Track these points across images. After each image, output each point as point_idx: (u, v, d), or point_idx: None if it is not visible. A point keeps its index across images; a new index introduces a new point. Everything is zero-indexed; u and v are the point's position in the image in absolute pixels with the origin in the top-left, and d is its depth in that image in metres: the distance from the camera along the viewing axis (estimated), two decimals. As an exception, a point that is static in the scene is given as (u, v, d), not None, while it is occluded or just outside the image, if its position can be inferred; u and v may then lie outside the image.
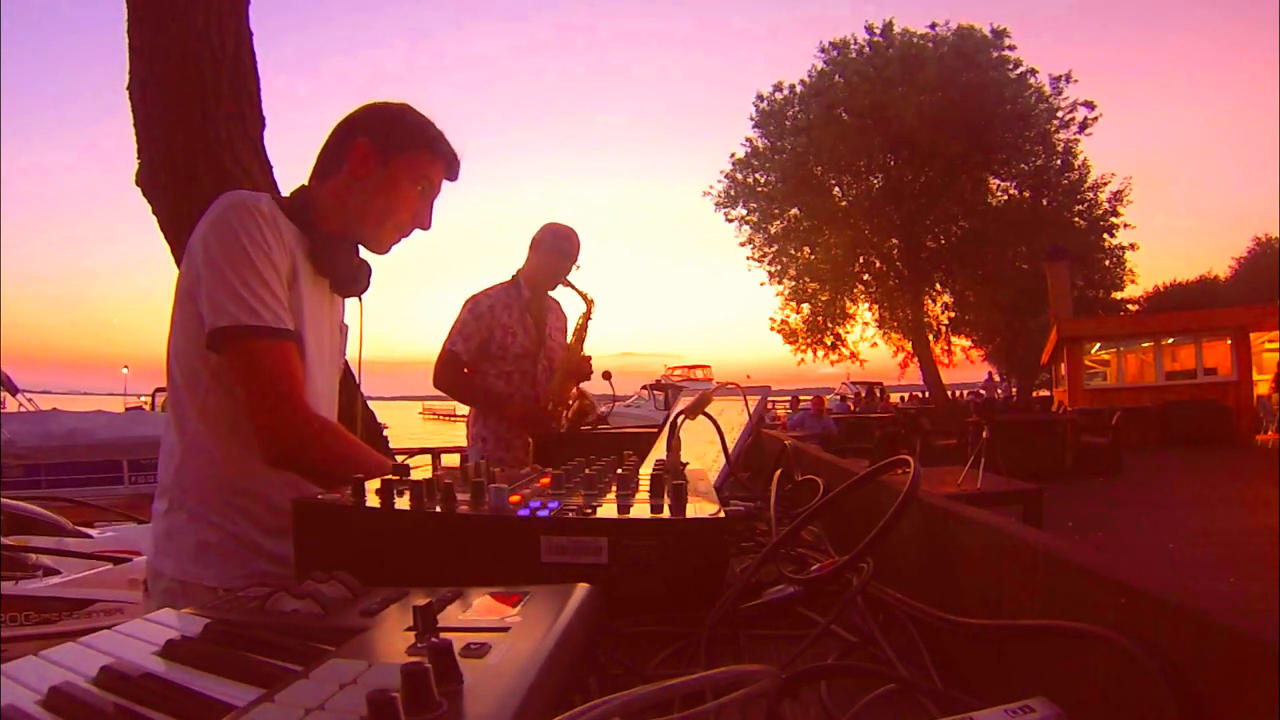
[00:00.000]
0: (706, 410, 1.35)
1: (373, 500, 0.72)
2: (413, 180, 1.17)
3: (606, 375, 2.58)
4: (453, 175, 1.23)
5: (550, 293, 2.53)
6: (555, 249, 2.46)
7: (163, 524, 1.09)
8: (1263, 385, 13.45)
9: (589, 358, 2.49)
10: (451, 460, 1.07)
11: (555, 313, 2.55)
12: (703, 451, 1.42)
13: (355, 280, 1.21)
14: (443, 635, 0.39)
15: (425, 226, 1.22)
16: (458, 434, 2.66)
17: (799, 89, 21.99)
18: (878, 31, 21.14)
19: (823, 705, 0.49)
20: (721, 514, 0.71)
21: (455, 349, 2.39)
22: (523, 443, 2.41)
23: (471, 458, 1.58)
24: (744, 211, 23.30)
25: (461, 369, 2.40)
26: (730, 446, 1.27)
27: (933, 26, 20.89)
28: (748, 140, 22.85)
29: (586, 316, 2.47)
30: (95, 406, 10.15)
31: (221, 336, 1.00)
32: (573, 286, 2.46)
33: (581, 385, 2.52)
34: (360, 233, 1.18)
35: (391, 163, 1.15)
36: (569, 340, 2.50)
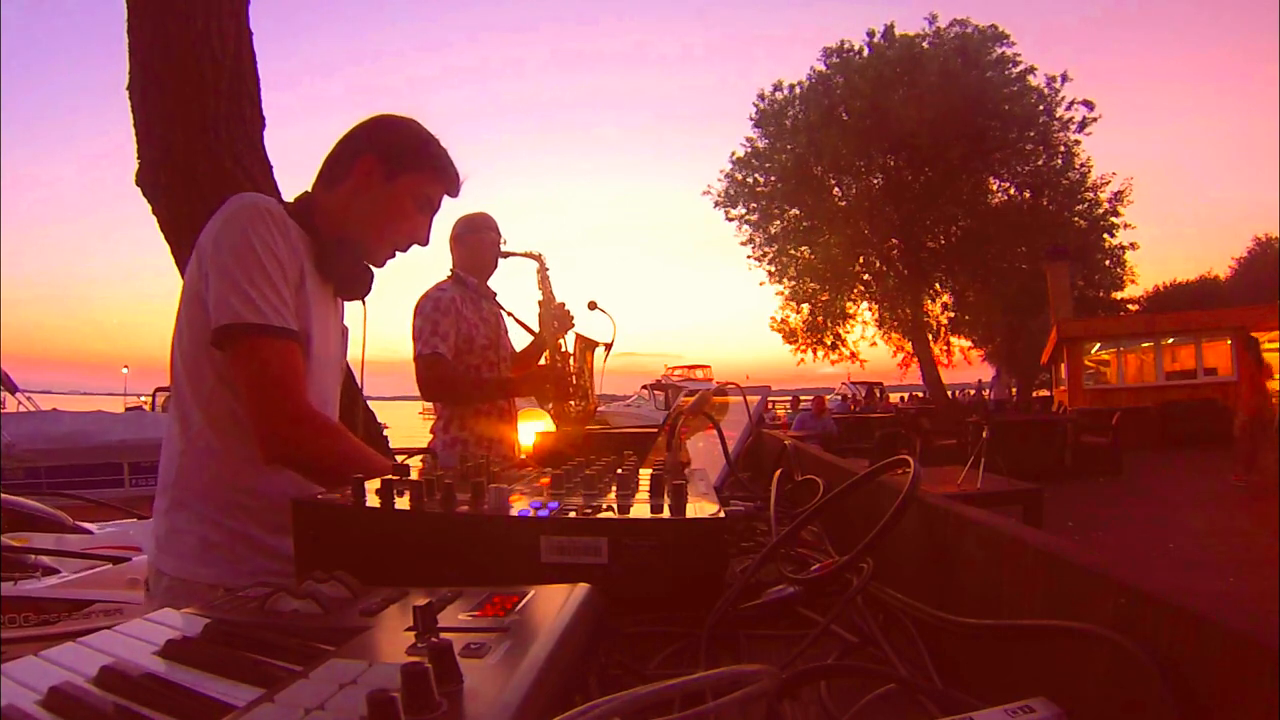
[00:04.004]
0: (706, 410, 1.35)
1: (373, 500, 0.72)
2: (414, 199, 1.19)
3: (592, 305, 2.53)
4: (454, 194, 1.25)
5: (489, 281, 2.52)
6: (479, 228, 2.46)
7: (164, 523, 1.09)
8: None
9: (563, 304, 2.46)
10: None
11: (494, 300, 2.53)
12: (703, 451, 1.43)
13: (358, 284, 1.22)
14: (443, 635, 0.39)
15: (423, 243, 1.24)
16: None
17: (799, 89, 22.00)
18: (878, 35, 21.18)
19: (823, 705, 0.49)
20: (721, 514, 0.71)
21: (439, 350, 2.27)
22: (503, 439, 2.39)
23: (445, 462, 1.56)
24: (744, 211, 23.30)
25: (454, 369, 2.30)
26: (730, 446, 1.27)
27: (930, 21, 20.90)
28: (748, 140, 22.88)
29: (543, 269, 2.47)
30: (95, 406, 10.15)
31: (226, 334, 1.01)
32: (515, 254, 2.47)
33: (574, 330, 2.50)
34: (359, 244, 1.19)
35: (395, 181, 1.16)
36: (539, 298, 2.47)
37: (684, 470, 0.94)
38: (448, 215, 2.52)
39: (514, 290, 2.57)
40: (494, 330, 2.43)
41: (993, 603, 0.53)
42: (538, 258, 2.48)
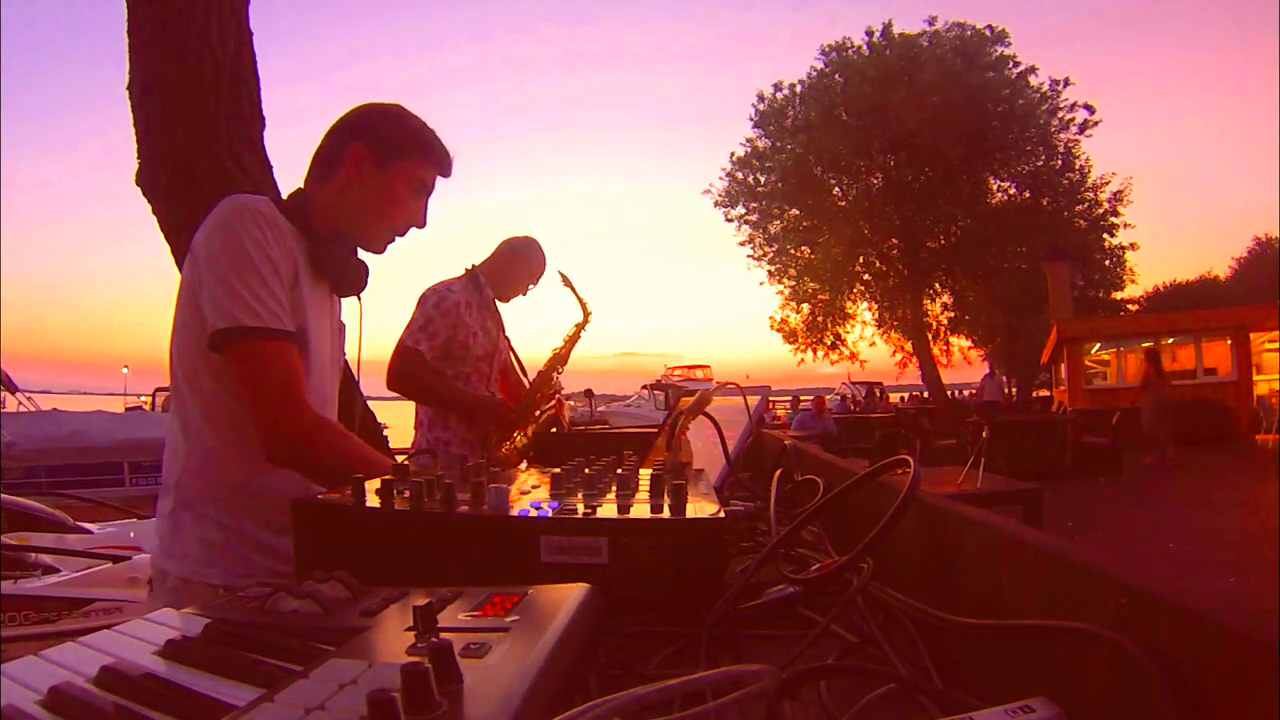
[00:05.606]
0: (706, 410, 1.35)
1: (373, 500, 0.72)
2: (409, 184, 1.19)
3: (589, 393, 2.52)
4: (446, 174, 1.26)
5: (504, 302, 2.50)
6: (527, 261, 2.44)
7: (167, 523, 1.09)
8: (1263, 385, 13.47)
9: (561, 374, 2.43)
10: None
11: (498, 317, 2.50)
12: (703, 451, 1.43)
13: (354, 281, 1.23)
14: (443, 635, 0.39)
15: (420, 225, 1.25)
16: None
17: (799, 89, 21.99)
18: (877, 34, 21.16)
19: (823, 705, 0.49)
20: (721, 514, 0.71)
21: (419, 346, 2.23)
22: (492, 444, 2.38)
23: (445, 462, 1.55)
24: (744, 211, 23.29)
25: (426, 368, 2.25)
26: (730, 446, 1.27)
27: (930, 22, 20.88)
28: (748, 140, 22.85)
29: (582, 326, 2.38)
30: (95, 406, 10.15)
31: (223, 337, 1.01)
32: (575, 291, 2.34)
33: (558, 395, 2.46)
34: (357, 234, 1.20)
35: (387, 167, 1.17)
36: (560, 347, 2.41)
37: (684, 470, 0.94)
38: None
39: (529, 309, 2.53)
40: (493, 341, 2.40)
41: (993, 603, 0.53)
42: (587, 314, 2.36)
